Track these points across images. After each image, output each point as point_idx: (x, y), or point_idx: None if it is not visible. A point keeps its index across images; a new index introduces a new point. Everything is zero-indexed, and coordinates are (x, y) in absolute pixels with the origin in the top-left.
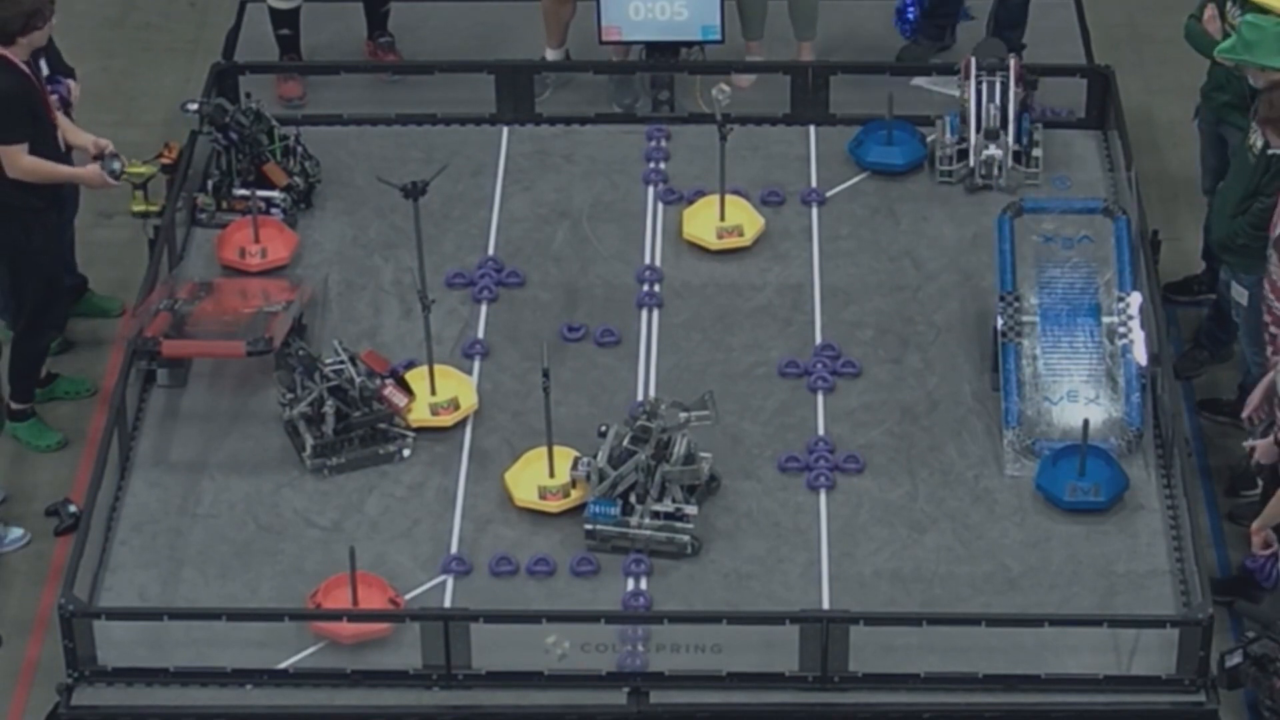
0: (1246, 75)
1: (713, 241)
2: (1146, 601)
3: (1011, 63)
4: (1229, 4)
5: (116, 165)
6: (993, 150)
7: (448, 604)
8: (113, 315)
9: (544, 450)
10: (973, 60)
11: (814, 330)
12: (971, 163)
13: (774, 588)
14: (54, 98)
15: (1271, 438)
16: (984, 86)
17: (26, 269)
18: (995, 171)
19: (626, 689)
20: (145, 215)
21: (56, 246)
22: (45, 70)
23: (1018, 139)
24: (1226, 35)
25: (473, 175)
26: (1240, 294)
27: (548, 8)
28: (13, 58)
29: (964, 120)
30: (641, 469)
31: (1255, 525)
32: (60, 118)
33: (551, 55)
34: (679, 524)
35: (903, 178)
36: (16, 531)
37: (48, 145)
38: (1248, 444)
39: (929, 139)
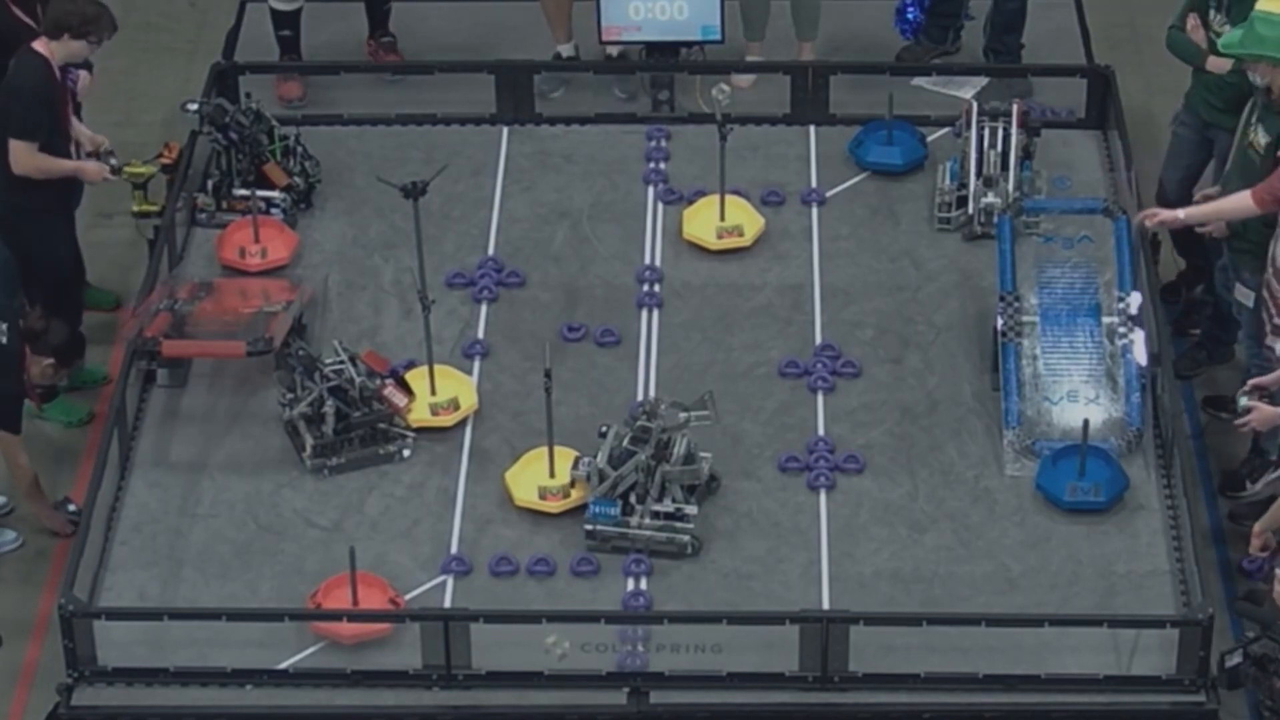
0: (1248, 71)
1: (713, 241)
2: (1146, 601)
3: (1014, 108)
4: (1212, 11)
5: (114, 160)
6: (991, 198)
7: (448, 604)
8: (107, 308)
9: (544, 450)
10: (974, 105)
11: (814, 330)
12: (970, 210)
13: (774, 588)
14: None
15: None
16: (985, 132)
17: (45, 268)
18: (994, 219)
19: (626, 689)
20: (145, 215)
21: (72, 248)
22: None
23: (1017, 186)
24: (1210, 43)
25: (473, 175)
26: (1245, 295)
27: (548, 3)
28: (50, 57)
29: (963, 166)
30: (641, 469)
31: (1257, 527)
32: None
33: (564, 49)
34: (679, 524)
35: (903, 178)
36: (9, 535)
37: (61, 150)
38: (1244, 403)
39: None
